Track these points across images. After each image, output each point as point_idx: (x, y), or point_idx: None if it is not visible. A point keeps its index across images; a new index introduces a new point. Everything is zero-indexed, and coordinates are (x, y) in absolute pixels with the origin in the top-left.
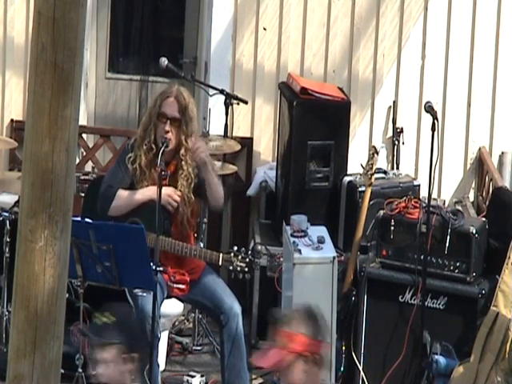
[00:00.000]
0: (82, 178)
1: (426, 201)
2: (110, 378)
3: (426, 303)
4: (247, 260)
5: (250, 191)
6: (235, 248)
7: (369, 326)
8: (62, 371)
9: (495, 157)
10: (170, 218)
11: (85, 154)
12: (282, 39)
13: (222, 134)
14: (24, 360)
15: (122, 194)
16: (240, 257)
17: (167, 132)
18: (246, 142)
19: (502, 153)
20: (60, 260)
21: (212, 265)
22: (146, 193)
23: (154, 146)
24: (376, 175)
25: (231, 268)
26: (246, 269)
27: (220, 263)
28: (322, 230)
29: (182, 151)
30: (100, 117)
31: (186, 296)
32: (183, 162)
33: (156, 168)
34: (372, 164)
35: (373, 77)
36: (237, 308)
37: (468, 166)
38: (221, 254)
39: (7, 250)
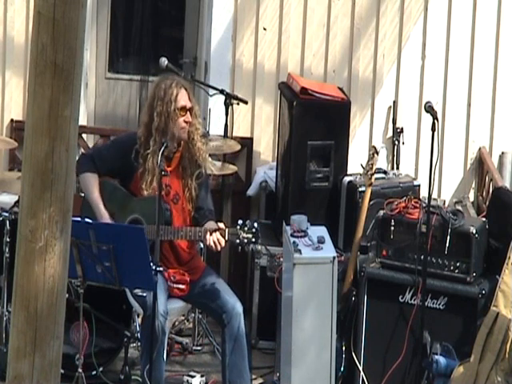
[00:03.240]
0: None
1: (426, 201)
2: None
3: (426, 303)
4: (253, 230)
5: (250, 191)
6: (240, 222)
7: (369, 325)
8: (62, 371)
9: (495, 157)
10: (170, 209)
11: None
12: (282, 39)
13: (222, 134)
14: (24, 360)
15: (89, 180)
16: (246, 228)
17: (188, 123)
18: (246, 142)
19: (502, 153)
20: (60, 260)
21: (212, 265)
22: (98, 209)
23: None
24: (376, 175)
25: (238, 241)
26: (253, 239)
27: (226, 238)
28: (322, 230)
29: (196, 136)
30: (100, 117)
31: (187, 296)
32: (191, 146)
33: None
34: (372, 164)
35: (373, 77)
36: (239, 307)
37: (468, 166)
38: (227, 229)
39: (7, 250)
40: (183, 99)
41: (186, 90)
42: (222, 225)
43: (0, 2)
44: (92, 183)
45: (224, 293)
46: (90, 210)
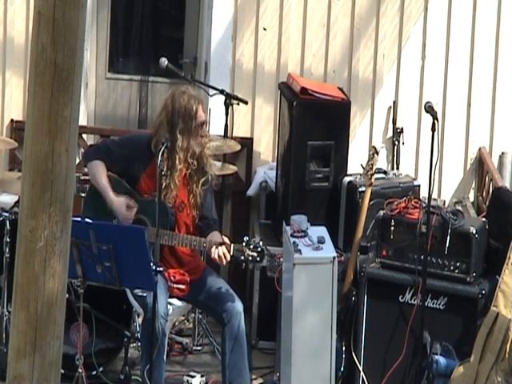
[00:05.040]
0: (82, 178)
1: (426, 201)
2: None
3: (426, 303)
4: (259, 249)
5: (250, 191)
6: (246, 238)
7: (369, 325)
8: (62, 371)
9: (495, 157)
10: (176, 214)
11: None
12: (282, 39)
13: (222, 134)
14: (24, 360)
15: (97, 167)
16: (252, 246)
17: (204, 136)
18: (246, 142)
19: (502, 153)
20: (60, 260)
21: (212, 265)
22: (108, 195)
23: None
24: (376, 175)
25: (243, 258)
26: (258, 258)
27: (231, 253)
28: (322, 230)
29: (205, 145)
30: (100, 117)
31: (187, 296)
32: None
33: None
34: (372, 164)
35: (373, 77)
36: (239, 306)
37: (468, 166)
38: (232, 245)
39: (7, 250)
40: (202, 115)
41: (201, 104)
42: (226, 240)
43: (0, 2)
44: (100, 170)
45: (224, 292)
46: (97, 198)
